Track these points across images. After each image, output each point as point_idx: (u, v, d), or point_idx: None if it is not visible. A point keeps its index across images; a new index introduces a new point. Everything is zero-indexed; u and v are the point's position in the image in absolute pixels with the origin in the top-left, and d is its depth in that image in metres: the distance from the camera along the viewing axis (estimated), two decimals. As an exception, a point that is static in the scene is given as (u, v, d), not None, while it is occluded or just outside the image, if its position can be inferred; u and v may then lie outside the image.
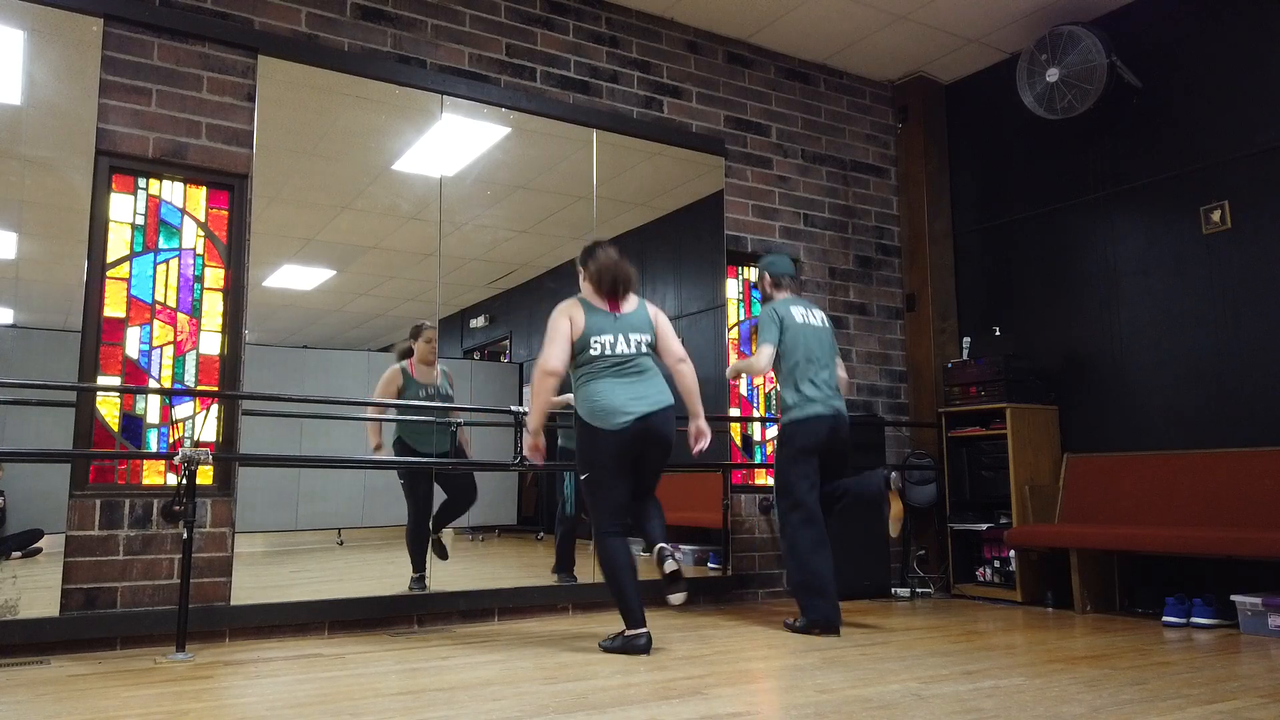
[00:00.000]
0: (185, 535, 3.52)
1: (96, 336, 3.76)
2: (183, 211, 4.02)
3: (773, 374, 4.31)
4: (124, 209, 3.90)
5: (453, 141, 4.75)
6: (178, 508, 3.62)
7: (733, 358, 5.34)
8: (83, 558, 3.61)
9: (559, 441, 4.98)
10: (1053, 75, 5.15)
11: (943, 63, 6.01)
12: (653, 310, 3.78)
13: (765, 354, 4.15)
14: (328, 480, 4.60)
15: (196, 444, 3.89)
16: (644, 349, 3.67)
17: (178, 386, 3.90)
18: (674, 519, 4.06)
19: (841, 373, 4.37)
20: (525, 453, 3.70)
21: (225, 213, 4.10)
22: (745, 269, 5.61)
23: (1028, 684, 2.97)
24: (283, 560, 4.76)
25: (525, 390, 5.56)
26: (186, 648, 3.46)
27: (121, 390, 3.78)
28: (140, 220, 3.93)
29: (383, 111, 4.64)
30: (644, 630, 3.51)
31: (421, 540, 4.45)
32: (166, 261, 3.96)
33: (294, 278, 4.89)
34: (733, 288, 5.55)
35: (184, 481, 3.54)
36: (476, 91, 4.72)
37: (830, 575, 3.99)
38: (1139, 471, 4.95)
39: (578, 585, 4.74)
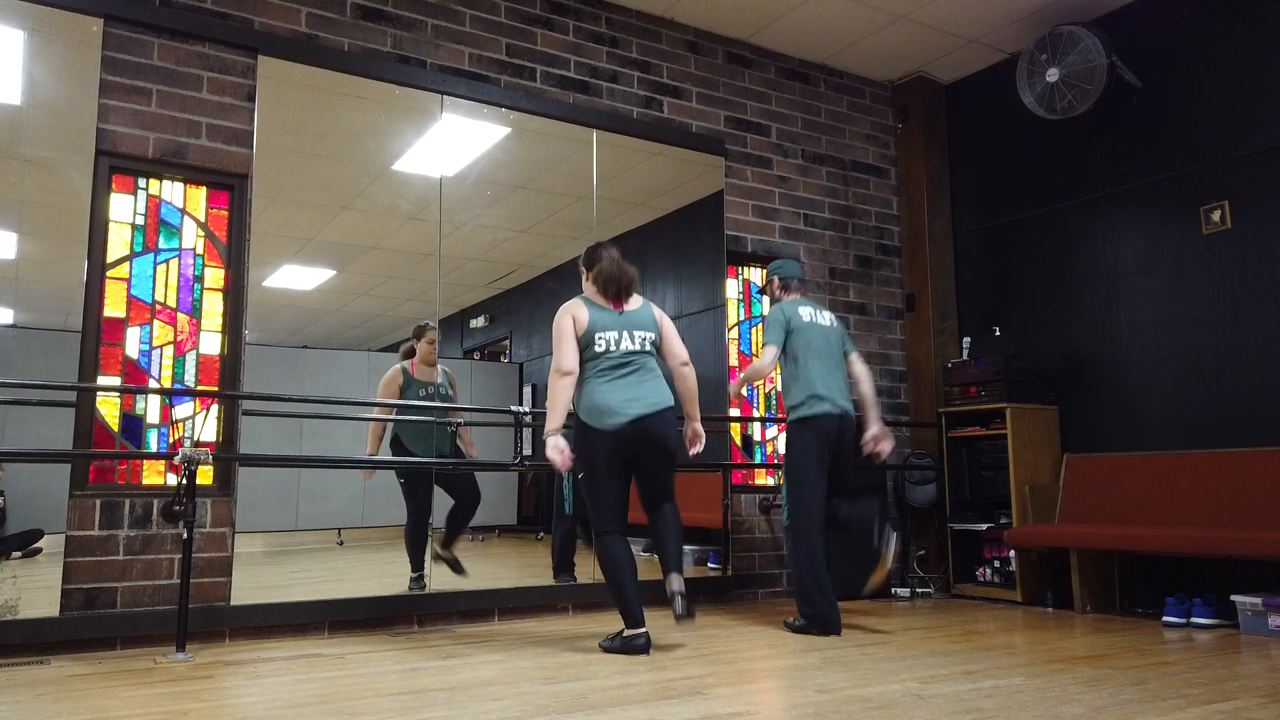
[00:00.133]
0: (185, 535, 3.52)
1: (96, 336, 3.76)
2: (183, 211, 4.02)
3: (774, 375, 4.30)
4: (124, 209, 3.90)
5: (453, 141, 4.75)
6: (178, 508, 3.63)
7: (731, 384, 5.10)
8: (83, 558, 3.61)
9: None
10: (1053, 75, 5.15)
11: (943, 63, 6.00)
12: (657, 311, 3.79)
13: (769, 354, 4.16)
14: (328, 480, 4.60)
15: (196, 444, 3.89)
16: (648, 346, 3.67)
17: (178, 386, 3.90)
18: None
19: (860, 367, 4.36)
20: (549, 455, 3.48)
21: (225, 213, 4.10)
22: (745, 269, 5.61)
23: (1028, 684, 2.97)
24: (283, 560, 4.76)
25: (525, 390, 5.56)
26: (186, 648, 3.47)
27: (121, 390, 3.78)
28: (140, 220, 3.93)
29: (383, 111, 4.64)
30: (643, 630, 3.52)
31: (421, 540, 4.45)
32: (166, 261, 3.96)
33: (294, 278, 4.89)
34: (732, 288, 5.54)
35: (184, 481, 3.54)
36: (476, 91, 4.72)
37: (826, 574, 4.00)
38: (1139, 471, 4.95)
39: (578, 585, 4.74)
